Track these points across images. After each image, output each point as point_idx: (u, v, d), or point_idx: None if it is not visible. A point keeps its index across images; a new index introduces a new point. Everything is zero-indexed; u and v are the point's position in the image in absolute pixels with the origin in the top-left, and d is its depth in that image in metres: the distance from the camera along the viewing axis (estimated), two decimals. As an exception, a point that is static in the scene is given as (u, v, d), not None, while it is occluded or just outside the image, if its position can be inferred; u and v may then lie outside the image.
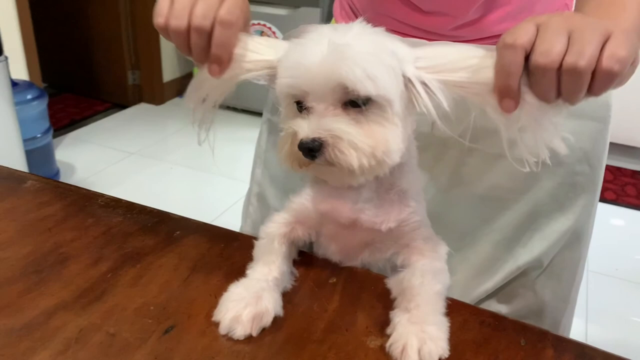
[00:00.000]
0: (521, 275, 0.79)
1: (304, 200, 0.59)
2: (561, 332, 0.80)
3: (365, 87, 0.50)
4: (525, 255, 0.78)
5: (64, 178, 2.46)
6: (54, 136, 2.63)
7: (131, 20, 3.19)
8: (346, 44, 0.51)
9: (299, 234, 0.60)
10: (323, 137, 0.50)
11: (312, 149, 0.50)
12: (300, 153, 0.51)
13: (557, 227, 0.76)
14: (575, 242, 0.77)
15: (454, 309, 0.55)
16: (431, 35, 0.82)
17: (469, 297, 0.82)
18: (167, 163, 2.72)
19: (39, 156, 2.27)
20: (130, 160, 2.72)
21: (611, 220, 2.41)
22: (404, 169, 0.59)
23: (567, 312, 0.80)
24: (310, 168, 0.53)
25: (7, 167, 0.77)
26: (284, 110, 0.55)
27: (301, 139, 0.50)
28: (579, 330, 1.77)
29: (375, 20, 0.56)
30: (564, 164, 0.74)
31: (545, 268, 0.78)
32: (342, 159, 0.50)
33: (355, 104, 0.51)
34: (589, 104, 0.74)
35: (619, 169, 2.75)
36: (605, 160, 0.77)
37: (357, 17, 0.61)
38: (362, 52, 0.51)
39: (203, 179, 2.60)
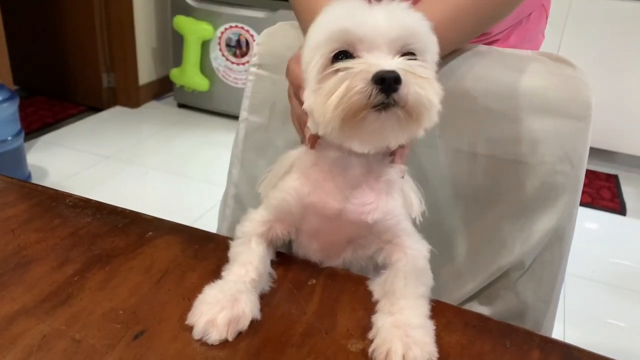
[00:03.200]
0: (503, 277, 0.78)
1: (286, 194, 0.57)
2: (543, 333, 0.79)
3: (425, 38, 0.51)
4: (506, 256, 0.77)
5: (35, 182, 2.37)
6: (26, 139, 2.57)
7: (106, 22, 3.13)
8: (403, 4, 0.52)
9: (278, 233, 0.58)
10: (400, 72, 0.47)
11: (397, 79, 0.46)
12: (369, 88, 0.46)
13: (539, 227, 0.76)
14: (557, 242, 0.76)
15: (438, 310, 0.53)
16: None
17: (450, 299, 0.80)
18: (142, 167, 2.67)
19: (10, 160, 2.21)
20: (104, 164, 2.66)
21: (586, 224, 2.43)
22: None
23: (549, 313, 0.79)
24: (364, 117, 0.48)
25: (-31, 167, 0.74)
26: (315, 69, 0.51)
27: (380, 70, 0.46)
28: (557, 333, 1.78)
29: None
30: (545, 163, 0.74)
31: (527, 269, 0.77)
32: (424, 95, 0.48)
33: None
34: (569, 102, 0.74)
35: (594, 172, 2.79)
36: (586, 159, 0.76)
37: None
38: (415, 11, 0.53)
39: (179, 183, 2.56)
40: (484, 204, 0.78)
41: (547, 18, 0.99)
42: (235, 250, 0.57)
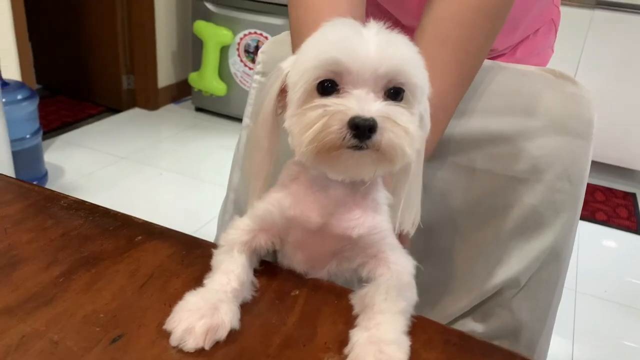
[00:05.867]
0: (497, 294, 0.77)
1: (269, 205, 0.57)
2: (537, 353, 0.78)
3: (414, 76, 0.50)
4: (502, 273, 0.76)
5: (52, 180, 2.43)
6: (45, 138, 2.61)
7: (128, 25, 3.18)
8: (398, 35, 0.51)
9: (261, 243, 0.58)
10: (377, 119, 0.47)
11: (372, 128, 0.47)
12: (344, 132, 0.47)
13: (536, 245, 0.75)
14: (554, 260, 0.75)
15: (419, 326, 0.53)
16: None
17: (443, 315, 0.80)
18: (157, 168, 2.70)
19: (27, 157, 2.25)
20: (120, 164, 2.69)
21: (603, 242, 2.39)
22: (383, 180, 0.58)
23: (545, 332, 0.78)
24: (338, 154, 0.49)
25: (-29, 165, 0.75)
26: (299, 93, 0.51)
27: (357, 116, 0.47)
28: (565, 352, 1.75)
29: None
30: (543, 181, 0.73)
31: (523, 287, 0.76)
32: (397, 143, 0.48)
33: (391, 95, 0.50)
34: (570, 119, 0.73)
35: (610, 190, 2.74)
36: (586, 177, 0.75)
37: None
38: (411, 43, 0.52)
39: (192, 186, 2.58)
40: (481, 219, 0.77)
41: (556, 32, 0.98)
42: (218, 258, 0.57)
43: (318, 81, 0.50)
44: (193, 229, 2.10)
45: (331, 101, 0.49)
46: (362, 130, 0.47)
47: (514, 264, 0.75)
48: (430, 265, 0.81)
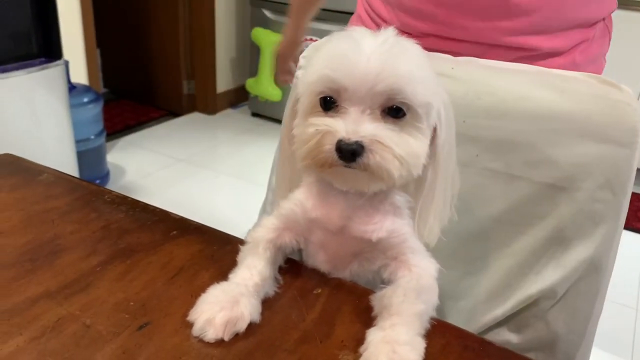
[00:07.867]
0: (533, 305, 0.75)
1: (294, 206, 0.59)
2: (576, 369, 0.75)
3: (416, 93, 0.50)
4: (538, 283, 0.74)
5: (113, 179, 2.55)
6: (108, 139, 2.74)
7: (189, 32, 3.30)
8: (404, 47, 0.51)
9: (286, 241, 0.59)
10: (365, 142, 0.48)
11: (355, 152, 0.48)
12: (333, 153, 0.49)
13: (574, 256, 0.72)
14: (594, 273, 0.73)
15: (438, 330, 0.53)
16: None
17: (477, 324, 0.78)
18: (213, 171, 2.77)
19: (91, 157, 2.36)
20: (178, 166, 2.79)
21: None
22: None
23: (583, 347, 0.75)
24: (333, 170, 0.51)
25: (28, 160, 0.81)
26: (304, 104, 0.53)
27: (341, 140, 0.48)
28: (621, 373, 1.67)
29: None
30: (582, 190, 0.71)
31: (560, 299, 0.74)
32: (383, 166, 0.49)
33: (392, 111, 0.51)
34: (613, 127, 0.70)
35: (680, 204, 2.59)
36: (631, 188, 0.72)
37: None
38: (417, 55, 0.52)
39: (247, 188, 2.64)
40: (517, 227, 0.75)
41: (609, 42, 0.95)
42: (244, 254, 0.59)
43: (320, 96, 0.52)
44: (245, 230, 2.15)
45: (321, 121, 0.51)
46: (345, 154, 0.48)
47: (551, 274, 0.73)
48: (464, 272, 0.80)
